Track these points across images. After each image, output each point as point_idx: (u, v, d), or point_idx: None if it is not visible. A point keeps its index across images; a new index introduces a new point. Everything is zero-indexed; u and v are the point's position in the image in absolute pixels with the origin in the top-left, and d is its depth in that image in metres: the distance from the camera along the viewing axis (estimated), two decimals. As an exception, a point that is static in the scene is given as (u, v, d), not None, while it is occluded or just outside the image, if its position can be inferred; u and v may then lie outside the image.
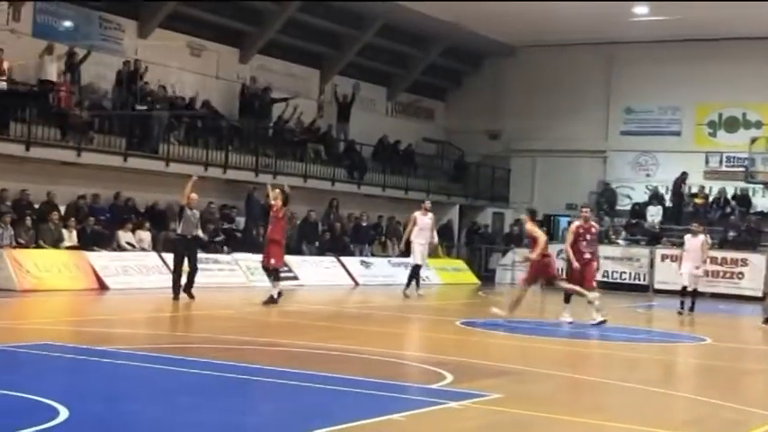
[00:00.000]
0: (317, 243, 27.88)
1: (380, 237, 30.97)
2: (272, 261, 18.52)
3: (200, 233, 19.63)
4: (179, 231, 18.98)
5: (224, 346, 12.34)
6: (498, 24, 32.15)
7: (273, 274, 18.71)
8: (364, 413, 8.30)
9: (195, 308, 17.96)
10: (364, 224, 30.29)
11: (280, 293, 18.55)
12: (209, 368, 10.30)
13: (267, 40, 29.30)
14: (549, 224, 33.54)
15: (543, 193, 34.96)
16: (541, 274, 17.85)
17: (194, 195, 19.18)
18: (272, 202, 18.61)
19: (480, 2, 28.87)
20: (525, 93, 35.36)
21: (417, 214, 23.07)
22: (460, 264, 32.40)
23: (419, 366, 11.68)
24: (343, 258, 27.75)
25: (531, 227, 18.20)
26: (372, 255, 29.70)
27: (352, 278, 27.25)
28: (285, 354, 12.17)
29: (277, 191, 18.71)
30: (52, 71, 22.50)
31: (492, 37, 34.01)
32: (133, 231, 23.29)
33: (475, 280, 31.42)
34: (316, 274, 25.98)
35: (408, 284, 22.79)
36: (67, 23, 24.42)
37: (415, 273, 23.00)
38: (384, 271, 28.61)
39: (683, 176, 32.22)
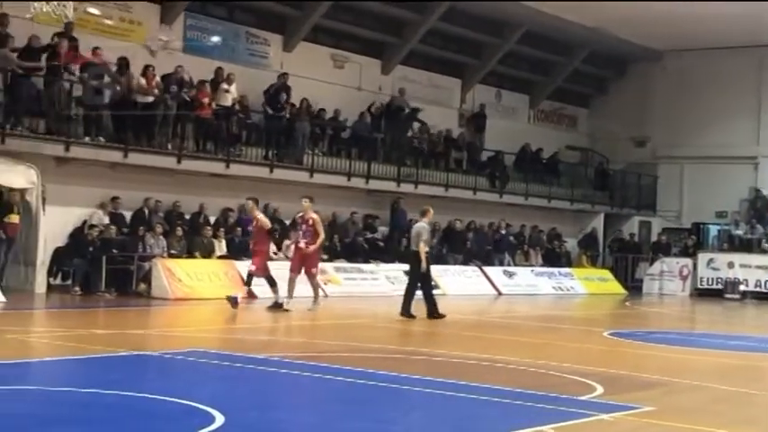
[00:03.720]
0: (460, 256, 27.81)
1: (523, 246, 30.68)
2: (253, 267, 18.28)
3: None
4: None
5: (371, 355, 12.40)
6: (644, 29, 31.50)
7: (268, 281, 18.30)
8: (514, 424, 8.20)
9: (340, 317, 18.14)
10: (506, 233, 30.06)
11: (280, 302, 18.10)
12: (359, 376, 10.37)
13: (408, 50, 29.47)
14: (698, 232, 32.66)
15: (692, 201, 34.11)
16: None
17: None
18: (259, 217, 18.37)
19: (621, 2, 28.21)
20: (673, 98, 34.56)
21: None
22: (606, 273, 31.81)
23: (567, 377, 11.48)
24: (485, 268, 27.61)
25: None
26: (515, 264, 29.45)
27: (495, 288, 27.08)
28: (432, 363, 12.16)
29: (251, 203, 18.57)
30: (227, 97, 23.15)
31: (638, 42, 33.36)
32: (278, 241, 23.68)
33: (621, 290, 30.79)
34: (458, 283, 25.92)
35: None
36: (216, 39, 25.09)
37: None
38: (527, 280, 28.33)
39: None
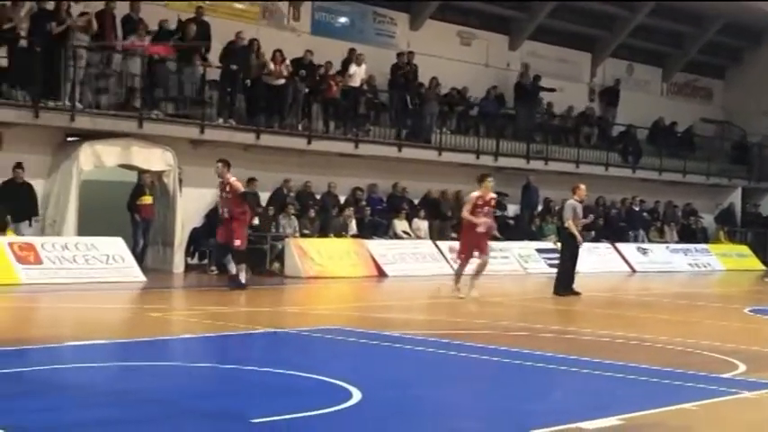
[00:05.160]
0: (592, 232, 27.37)
1: (657, 222, 30.02)
2: (237, 242, 16.57)
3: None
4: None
5: (504, 333, 12.32)
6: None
7: (237, 256, 16.73)
8: (655, 402, 8.02)
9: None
10: (639, 209, 29.46)
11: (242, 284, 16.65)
12: (493, 354, 10.32)
13: (537, 25, 29.07)
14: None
15: (836, 174, 32.77)
16: None
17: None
18: (231, 180, 16.63)
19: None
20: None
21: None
22: (744, 249, 30.88)
23: (707, 355, 11.17)
24: (618, 245, 27.12)
25: None
26: (649, 241, 28.85)
27: (629, 265, 26.58)
28: (567, 341, 12.01)
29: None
30: (356, 78, 23.31)
31: (773, 10, 32.15)
32: (408, 220, 23.80)
33: (761, 266, 29.83)
34: (591, 260, 25.50)
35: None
36: (343, 20, 25.25)
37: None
38: (662, 257, 27.73)
39: None
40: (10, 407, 7.05)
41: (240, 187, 16.83)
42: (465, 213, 16.78)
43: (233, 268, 16.71)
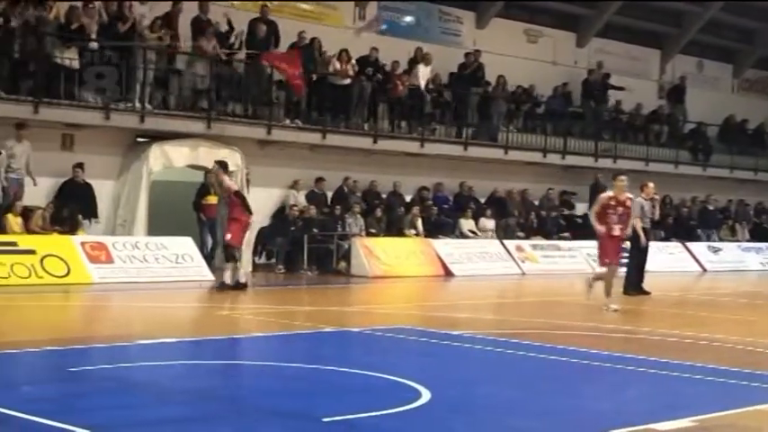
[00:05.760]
0: (662, 232, 27.02)
1: (729, 221, 29.54)
2: (228, 236, 16.22)
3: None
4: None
5: (572, 333, 12.22)
6: None
7: (228, 255, 16.35)
8: (728, 403, 7.89)
9: (537, 294, 17.95)
10: (711, 208, 29.01)
11: (241, 283, 16.20)
12: (560, 354, 10.24)
13: (605, 21, 28.79)
14: None
15: None
16: None
17: None
18: (226, 182, 16.56)
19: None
20: None
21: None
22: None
23: (782, 356, 10.97)
24: (689, 244, 26.73)
25: None
26: (720, 240, 28.39)
27: (700, 264, 26.19)
28: (636, 341, 11.88)
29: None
30: (421, 77, 23.31)
31: None
32: (474, 219, 23.71)
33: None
34: (661, 259, 25.17)
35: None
36: (409, 19, 25.24)
37: None
38: (734, 256, 27.27)
39: None
40: (88, 405, 7.17)
41: (233, 186, 16.69)
42: (592, 216, 15.53)
43: (240, 275, 16.23)
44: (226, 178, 16.60)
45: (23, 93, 17.90)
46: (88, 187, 18.71)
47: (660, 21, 30.53)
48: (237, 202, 16.22)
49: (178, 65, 19.96)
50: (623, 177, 15.60)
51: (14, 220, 17.17)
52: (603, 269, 15.34)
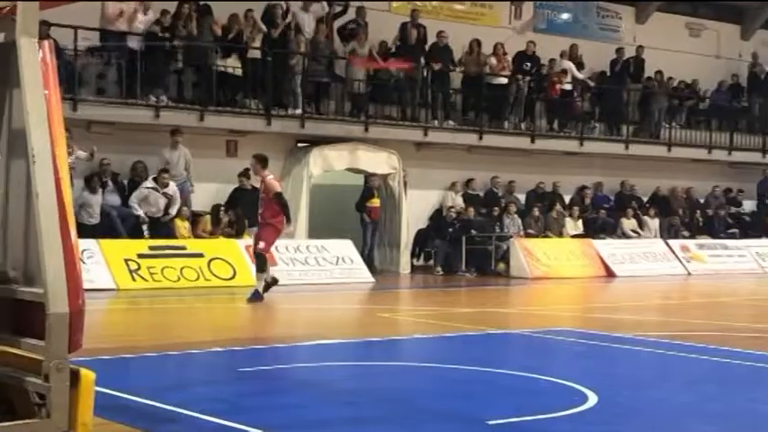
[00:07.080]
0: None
1: None
2: (261, 245, 14.34)
3: None
4: None
5: (740, 334, 11.79)
6: None
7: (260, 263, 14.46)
8: None
9: (704, 295, 17.43)
10: None
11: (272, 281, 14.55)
12: (729, 356, 9.90)
13: (771, 12, 27.74)
14: None
15: None
16: None
17: None
18: (267, 178, 14.40)
19: None
20: None
21: None
22: None
23: None
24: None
25: None
26: None
27: None
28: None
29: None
30: (577, 74, 23.04)
31: None
32: (636, 218, 23.21)
33: None
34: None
35: None
36: (566, 16, 24.92)
37: None
38: None
39: None
40: (259, 404, 7.34)
41: (276, 186, 14.42)
42: None
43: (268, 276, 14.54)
44: (269, 177, 14.44)
45: (188, 101, 18.48)
46: (255, 192, 19.12)
47: (831, 9, 29.16)
48: (277, 206, 14.16)
49: (336, 70, 20.26)
50: None
51: (182, 225, 17.77)
52: None
